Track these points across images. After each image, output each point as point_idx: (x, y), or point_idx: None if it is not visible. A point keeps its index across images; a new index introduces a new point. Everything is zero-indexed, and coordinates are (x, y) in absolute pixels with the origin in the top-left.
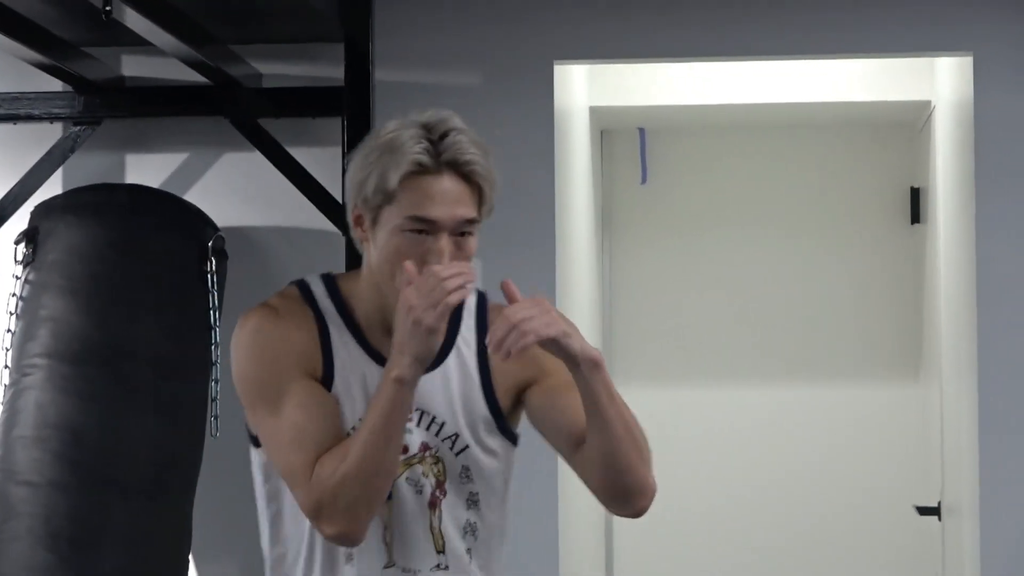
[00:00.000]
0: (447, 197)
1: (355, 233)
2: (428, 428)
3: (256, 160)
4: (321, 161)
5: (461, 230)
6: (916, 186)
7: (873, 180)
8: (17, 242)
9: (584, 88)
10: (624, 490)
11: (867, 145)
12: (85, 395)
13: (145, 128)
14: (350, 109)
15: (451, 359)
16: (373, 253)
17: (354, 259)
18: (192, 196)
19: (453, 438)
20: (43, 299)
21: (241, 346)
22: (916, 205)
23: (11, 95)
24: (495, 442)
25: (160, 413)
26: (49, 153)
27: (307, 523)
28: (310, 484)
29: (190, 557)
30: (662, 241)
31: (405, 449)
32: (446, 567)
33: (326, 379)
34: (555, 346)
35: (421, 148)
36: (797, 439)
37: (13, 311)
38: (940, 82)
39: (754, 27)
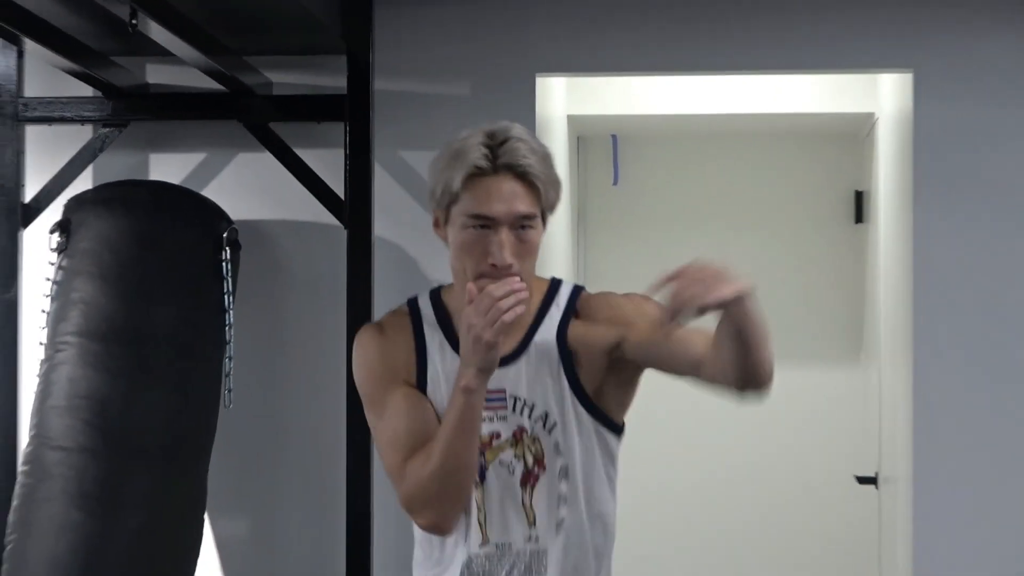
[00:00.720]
0: (504, 195)
1: (438, 234)
2: (521, 412)
3: (266, 160)
4: (325, 161)
5: (520, 224)
6: (860, 190)
7: (822, 184)
8: (52, 232)
9: (563, 98)
10: (761, 377)
11: (817, 152)
12: (112, 370)
13: (167, 130)
14: (351, 115)
15: (535, 346)
16: (451, 251)
17: (354, 251)
18: (209, 192)
19: (544, 416)
20: (75, 283)
21: (355, 360)
22: (860, 207)
23: (47, 99)
24: (583, 418)
25: (178, 387)
26: (80, 152)
27: None
28: (403, 482)
29: (205, 516)
30: (631, 237)
31: (497, 436)
32: (537, 539)
33: (420, 384)
34: (716, 305)
35: (481, 154)
36: (752, 417)
37: (48, 294)
38: (883, 96)
39: (716, 45)
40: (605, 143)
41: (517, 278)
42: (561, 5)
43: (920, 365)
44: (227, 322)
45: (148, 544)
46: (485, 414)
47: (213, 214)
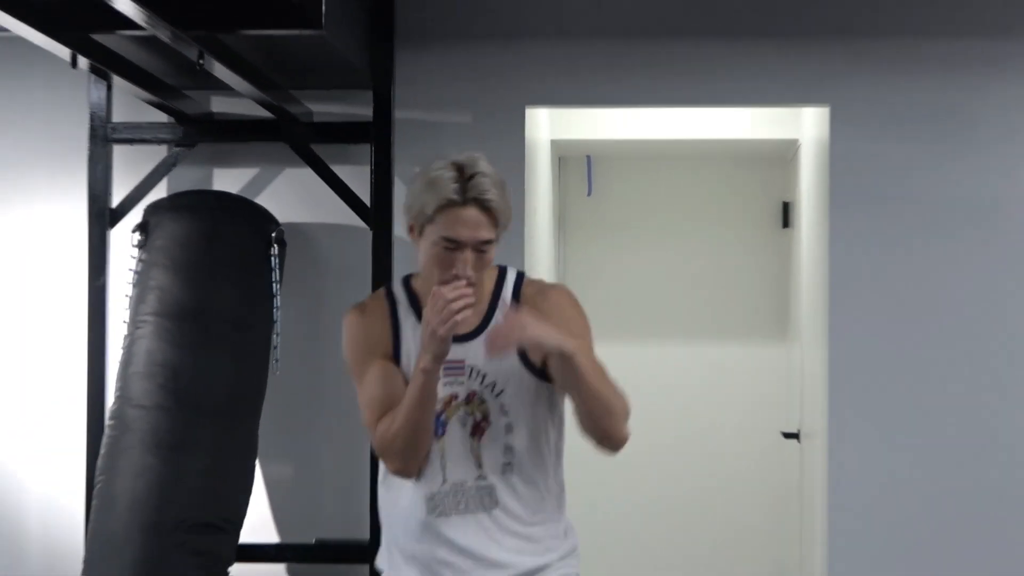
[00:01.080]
0: (470, 224)
1: (410, 237)
2: (474, 379)
3: (307, 174)
4: (355, 176)
5: (480, 248)
6: (787, 200)
7: (755, 195)
8: (134, 231)
9: (547, 126)
10: (600, 438)
11: (752, 170)
12: (181, 343)
13: (227, 150)
14: (376, 138)
15: (492, 324)
16: (420, 255)
17: (377, 248)
18: (260, 200)
19: (492, 385)
20: (152, 273)
21: (343, 336)
22: (786, 214)
23: (131, 124)
24: (527, 382)
25: (234, 357)
26: (157, 167)
27: None
28: (376, 437)
29: (256, 462)
30: (603, 239)
31: (456, 397)
32: (485, 478)
33: (396, 355)
34: (537, 345)
35: (453, 188)
36: (698, 383)
37: (130, 282)
38: (805, 125)
39: (669, 83)
40: (581, 162)
41: (466, 284)
42: (546, 51)
43: (834, 342)
44: (275, 305)
45: (209, 484)
46: (447, 379)
47: (264, 218)
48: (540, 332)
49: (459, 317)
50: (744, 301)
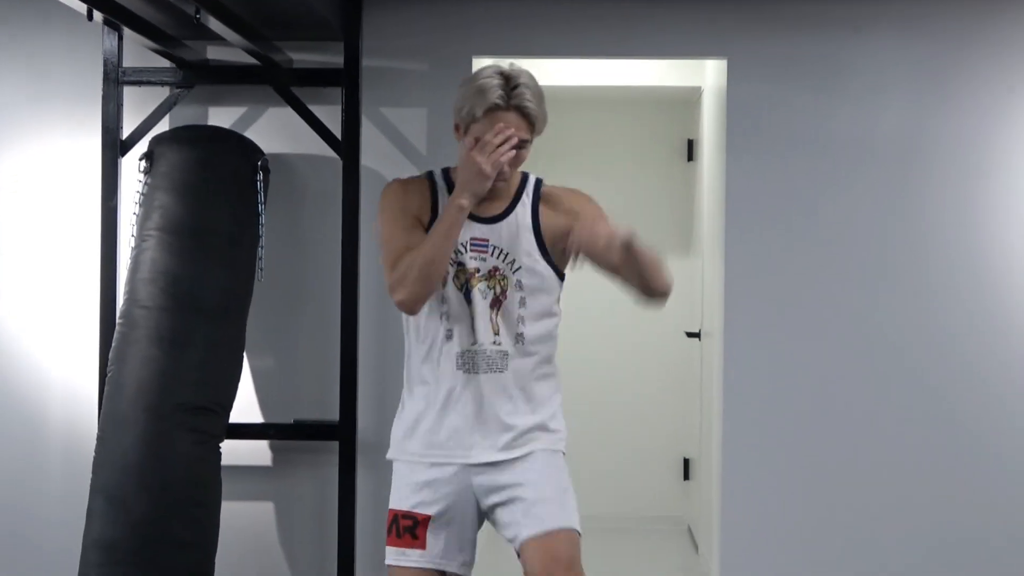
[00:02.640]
0: (511, 125)
1: (456, 136)
2: (498, 257)
3: (288, 113)
4: (328, 114)
5: (518, 147)
6: (691, 138)
7: (664, 133)
8: (140, 160)
9: None
10: (657, 296)
11: (662, 112)
12: (181, 254)
13: (220, 91)
14: (347, 83)
15: (514, 215)
16: (461, 150)
17: (347, 176)
18: (249, 133)
19: (512, 262)
20: (156, 195)
21: (382, 200)
22: (691, 150)
23: (139, 68)
24: (540, 267)
25: (227, 265)
26: (161, 105)
27: (440, 325)
28: (394, 271)
29: (244, 354)
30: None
31: (479, 271)
32: (500, 344)
33: (432, 222)
34: (606, 247)
35: (499, 95)
36: (614, 290)
37: (137, 202)
38: (708, 74)
39: (592, 37)
40: None
41: (511, 131)
42: (491, 9)
43: (729, 255)
44: (260, 222)
45: (204, 374)
46: (473, 254)
47: (251, 149)
48: (612, 231)
49: (505, 158)
50: (655, 222)
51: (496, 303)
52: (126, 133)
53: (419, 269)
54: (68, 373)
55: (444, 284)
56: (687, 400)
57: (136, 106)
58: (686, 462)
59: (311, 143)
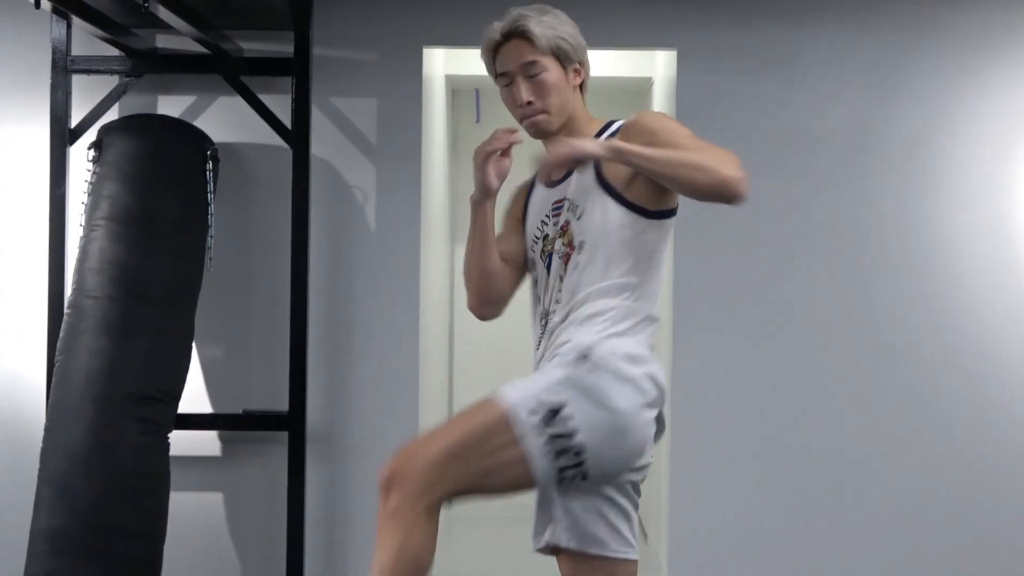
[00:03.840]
0: (510, 54)
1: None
2: (568, 210)
3: (238, 102)
4: (278, 103)
5: (530, 73)
6: None
7: None
8: (89, 148)
9: (442, 63)
10: (709, 196)
11: (613, 103)
12: (129, 243)
13: (170, 80)
14: (297, 72)
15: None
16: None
17: (297, 165)
18: (198, 123)
19: (575, 208)
20: (104, 184)
21: None
22: None
23: (88, 57)
24: (604, 207)
25: (175, 255)
26: (109, 94)
27: (531, 293)
28: None
29: (193, 344)
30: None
31: (550, 234)
32: (560, 301)
33: (524, 212)
34: (580, 160)
35: (495, 30)
36: None
37: (86, 191)
38: (658, 65)
39: None
40: (471, 95)
41: (516, 133)
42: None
43: (678, 248)
44: (210, 212)
45: (152, 363)
46: (554, 219)
47: (201, 138)
48: (575, 149)
49: (492, 153)
50: None
51: (566, 256)
52: (75, 122)
53: (466, 275)
54: (15, 363)
55: (534, 264)
56: None
57: (85, 95)
58: None
59: (261, 132)
